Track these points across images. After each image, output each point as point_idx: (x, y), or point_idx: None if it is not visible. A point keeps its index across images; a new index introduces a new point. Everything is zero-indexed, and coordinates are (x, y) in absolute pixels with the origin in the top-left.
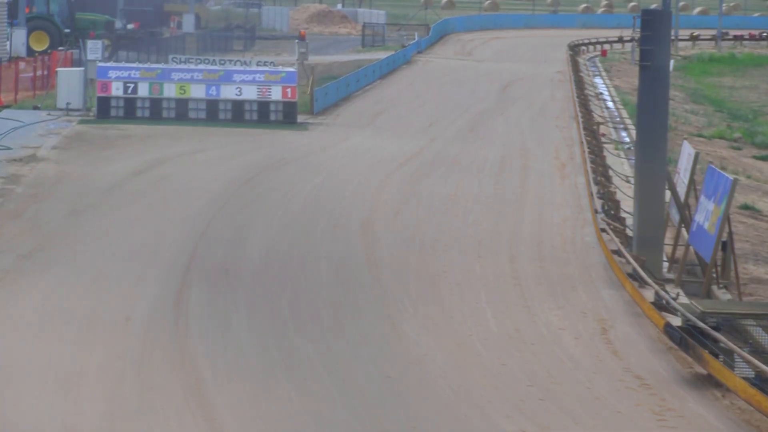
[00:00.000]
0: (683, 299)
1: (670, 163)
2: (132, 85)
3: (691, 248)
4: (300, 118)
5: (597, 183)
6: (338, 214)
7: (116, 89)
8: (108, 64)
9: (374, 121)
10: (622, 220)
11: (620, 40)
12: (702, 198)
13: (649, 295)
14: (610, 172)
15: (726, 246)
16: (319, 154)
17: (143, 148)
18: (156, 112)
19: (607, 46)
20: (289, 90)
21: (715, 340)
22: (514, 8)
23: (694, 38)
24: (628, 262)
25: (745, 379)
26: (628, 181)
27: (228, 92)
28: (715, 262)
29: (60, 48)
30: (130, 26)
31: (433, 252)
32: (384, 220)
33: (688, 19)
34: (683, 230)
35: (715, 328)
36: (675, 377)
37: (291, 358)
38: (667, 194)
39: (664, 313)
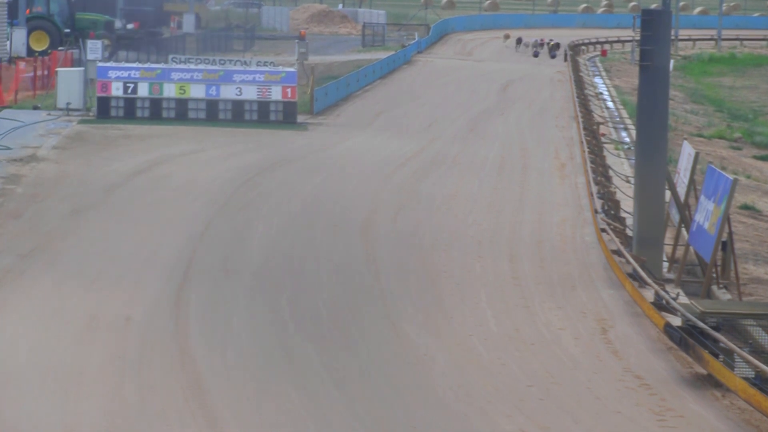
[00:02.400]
0: (683, 299)
1: (670, 163)
2: (132, 85)
3: (691, 248)
4: (300, 118)
5: (597, 183)
6: (338, 214)
7: (116, 89)
8: (108, 64)
9: (374, 121)
10: (622, 220)
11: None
12: (702, 198)
13: (649, 295)
14: (610, 172)
15: (726, 246)
16: (319, 154)
17: (143, 148)
18: (156, 112)
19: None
20: (289, 90)
21: (715, 340)
22: (514, 8)
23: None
24: (628, 262)
25: (745, 379)
26: (628, 181)
27: (228, 92)
28: (715, 262)
29: (60, 48)
30: (129, 26)
31: (433, 252)
32: (384, 220)
33: (688, 19)
34: (683, 230)
35: (715, 328)
36: (675, 377)
37: (291, 357)
38: (667, 194)
39: (664, 313)
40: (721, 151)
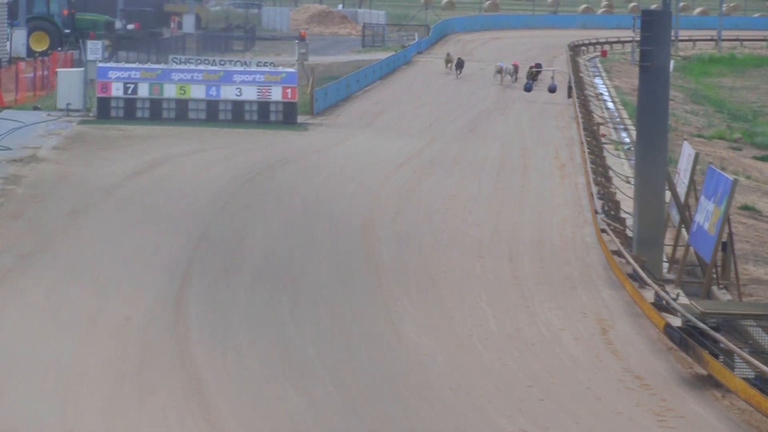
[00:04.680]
0: (683, 300)
1: (670, 164)
2: (132, 86)
3: (691, 249)
4: (300, 119)
5: (597, 183)
6: (338, 214)
7: (116, 90)
8: (108, 65)
9: (374, 122)
10: (622, 221)
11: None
12: (702, 198)
13: (649, 295)
14: (610, 173)
15: (726, 246)
16: (319, 155)
17: (143, 149)
18: (156, 112)
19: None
20: (289, 90)
21: (715, 341)
22: (514, 9)
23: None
24: (628, 263)
25: (745, 379)
26: (628, 182)
27: (228, 93)
28: (715, 263)
29: (60, 48)
30: (130, 26)
31: (433, 252)
32: (384, 220)
33: (688, 19)
34: (683, 231)
35: (715, 329)
36: (675, 378)
37: (291, 358)
38: (667, 195)
39: (664, 314)
40: (721, 151)
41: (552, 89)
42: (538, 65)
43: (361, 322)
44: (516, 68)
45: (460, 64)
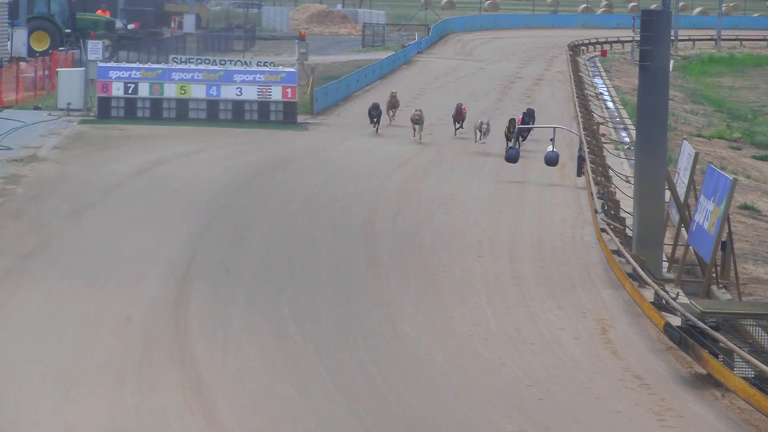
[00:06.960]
0: (683, 299)
1: (670, 163)
2: (132, 86)
3: (691, 248)
4: (300, 118)
5: (597, 183)
6: (338, 214)
7: (117, 89)
8: (108, 65)
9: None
10: (621, 220)
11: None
12: (702, 198)
13: (648, 294)
14: (610, 172)
15: (725, 246)
16: (320, 154)
17: (144, 149)
18: (156, 112)
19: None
20: (289, 90)
21: (715, 340)
22: (514, 8)
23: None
24: (628, 262)
25: (745, 378)
26: (628, 181)
27: (228, 92)
28: (714, 262)
29: (61, 48)
30: (130, 26)
31: (433, 252)
32: (384, 220)
33: (688, 19)
34: (683, 230)
35: (714, 328)
36: (675, 377)
37: (291, 358)
38: (667, 194)
39: (663, 313)
40: (721, 151)
41: (551, 160)
42: (527, 115)
43: (361, 322)
44: (486, 125)
45: (375, 112)
